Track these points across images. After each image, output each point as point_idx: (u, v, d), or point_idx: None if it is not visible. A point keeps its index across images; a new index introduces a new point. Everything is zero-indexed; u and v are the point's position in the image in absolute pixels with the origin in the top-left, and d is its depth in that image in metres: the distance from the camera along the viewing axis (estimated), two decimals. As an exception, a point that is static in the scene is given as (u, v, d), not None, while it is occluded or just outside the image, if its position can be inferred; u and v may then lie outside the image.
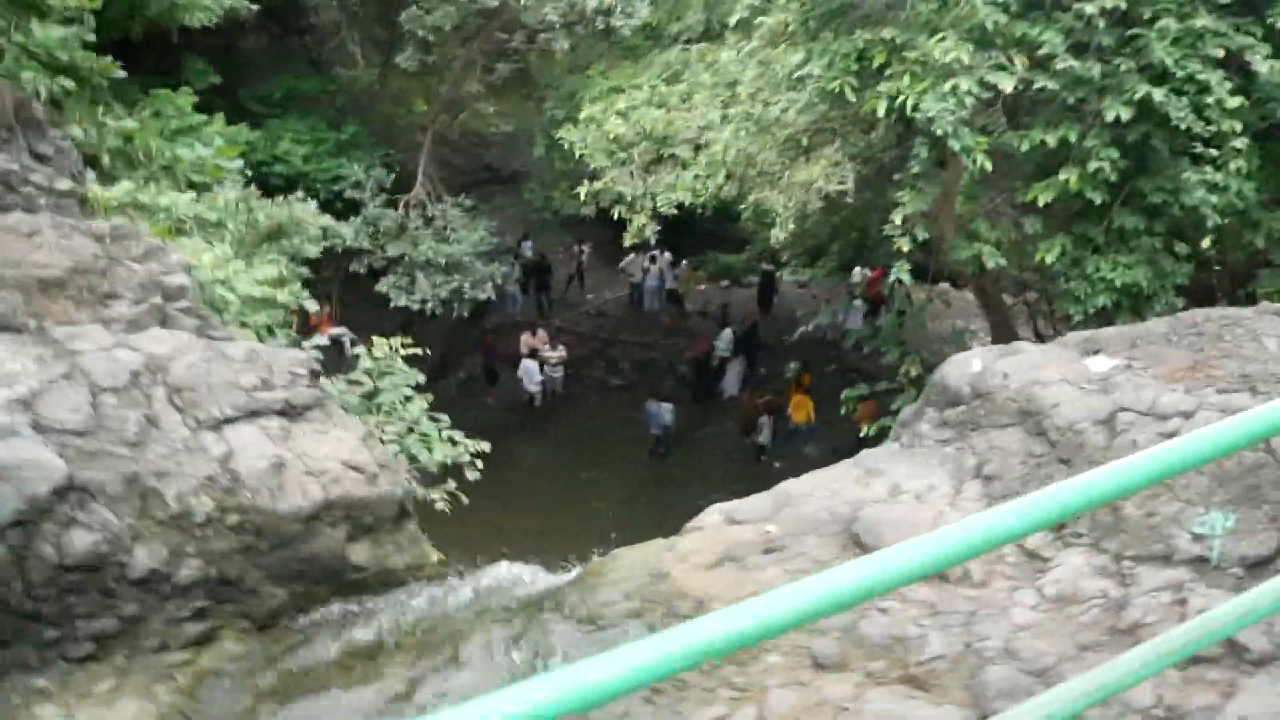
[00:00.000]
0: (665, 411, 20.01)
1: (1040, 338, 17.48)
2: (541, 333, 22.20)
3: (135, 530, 4.95)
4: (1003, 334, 17.98)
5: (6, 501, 4.59)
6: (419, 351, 9.21)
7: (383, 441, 8.38)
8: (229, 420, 5.63)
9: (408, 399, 8.74)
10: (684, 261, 25.02)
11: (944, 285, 25.74)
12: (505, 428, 21.64)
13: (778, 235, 13.81)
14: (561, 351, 21.91)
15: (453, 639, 5.64)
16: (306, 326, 19.69)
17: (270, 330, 8.44)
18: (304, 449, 5.79)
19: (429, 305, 18.81)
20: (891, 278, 13.41)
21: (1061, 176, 12.74)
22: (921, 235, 13.23)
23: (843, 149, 13.63)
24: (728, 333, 22.56)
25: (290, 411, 5.93)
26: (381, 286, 18.80)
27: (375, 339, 9.13)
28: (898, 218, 12.99)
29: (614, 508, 18.07)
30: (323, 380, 8.38)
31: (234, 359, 5.93)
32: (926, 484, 6.62)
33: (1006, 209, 14.43)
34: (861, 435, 15.24)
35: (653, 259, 24.28)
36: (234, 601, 5.40)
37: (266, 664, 5.32)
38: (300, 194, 16.23)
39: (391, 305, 18.96)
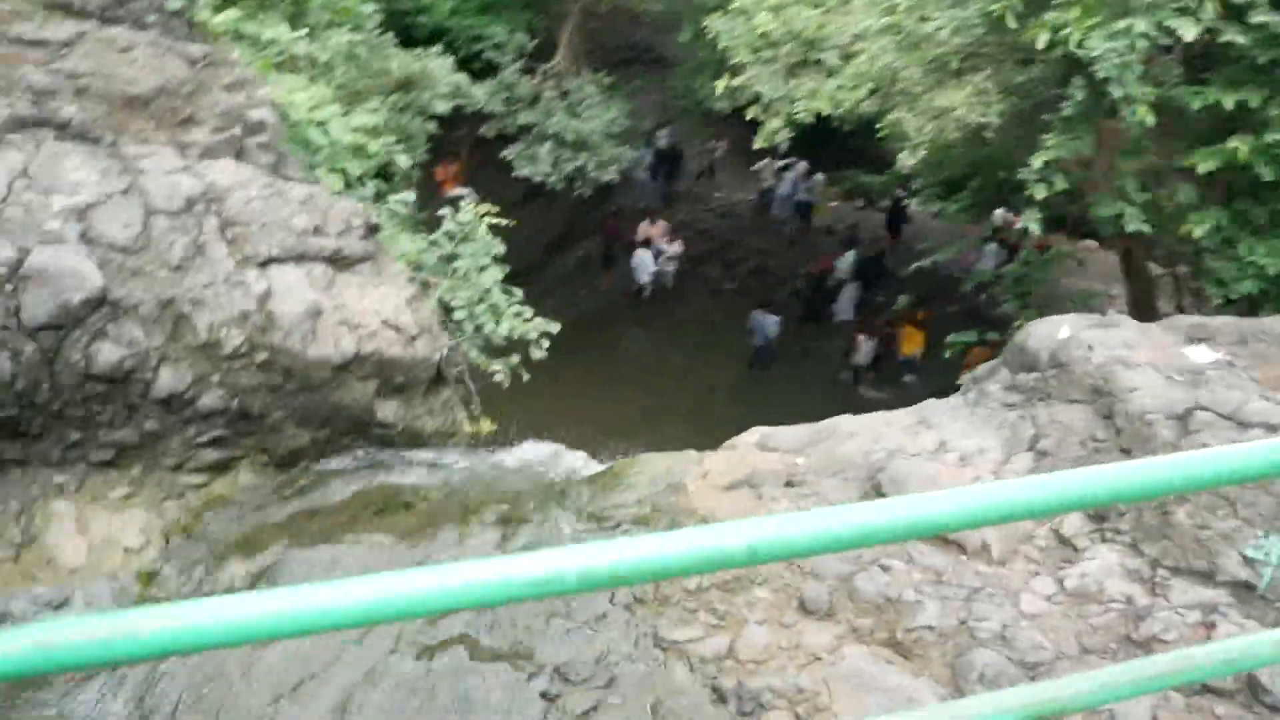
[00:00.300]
0: (771, 324, 19.64)
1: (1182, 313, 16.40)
2: (661, 223, 21.91)
3: (163, 352, 5.06)
4: (1143, 306, 16.85)
5: (41, 304, 4.73)
6: (504, 222, 9.13)
7: (449, 309, 8.43)
8: (275, 260, 5.67)
9: (484, 268, 8.70)
10: (819, 175, 24.18)
11: (1089, 242, 24.35)
12: (609, 313, 21.70)
13: (906, 160, 13.09)
14: (678, 246, 21.62)
15: (462, 511, 5.67)
16: (434, 184, 20.01)
17: (360, 179, 8.47)
18: (345, 300, 5.81)
19: (552, 180, 18.69)
20: (1021, 225, 12.61)
21: (1231, 144, 11.64)
22: (1060, 185, 12.37)
23: (993, 78, 12.73)
24: (851, 254, 21.83)
25: (339, 260, 5.94)
26: (507, 154, 18.73)
27: (461, 203, 9.08)
28: (1037, 162, 12.15)
29: (693, 411, 18.01)
30: (400, 236, 8.45)
31: (292, 200, 5.94)
32: (976, 446, 6.28)
33: (1161, 171, 13.33)
34: (959, 382, 14.66)
35: (788, 166, 23.53)
36: (255, 435, 5.53)
37: (277, 500, 5.46)
38: (439, 49, 16.21)
39: (515, 174, 18.92)
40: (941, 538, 5.25)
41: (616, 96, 19.48)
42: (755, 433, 6.77)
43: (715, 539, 1.40)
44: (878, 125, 14.58)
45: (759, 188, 24.37)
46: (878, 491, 5.52)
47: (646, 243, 21.18)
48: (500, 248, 9.01)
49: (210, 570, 4.81)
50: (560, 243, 21.59)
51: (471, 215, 8.91)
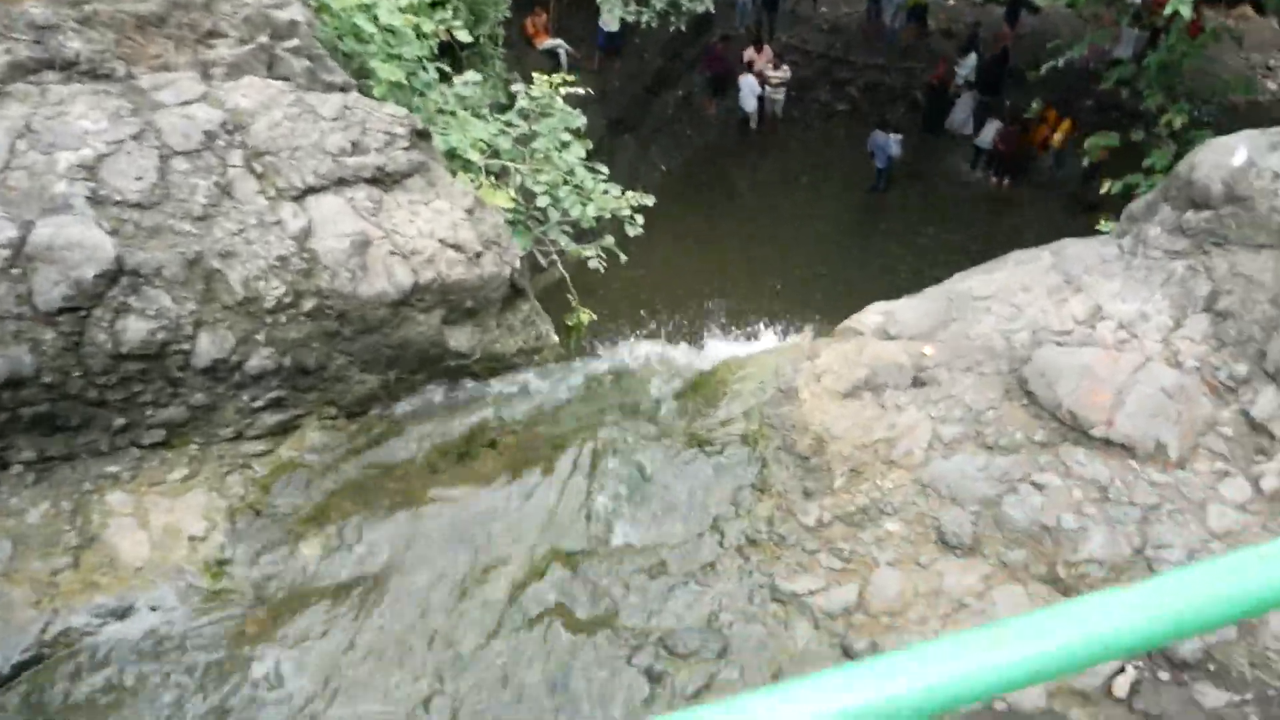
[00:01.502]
0: (893, 143, 18.00)
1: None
2: (767, 49, 20.14)
3: (198, 316, 4.43)
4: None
5: (54, 286, 4.13)
6: (580, 91, 8.08)
7: (531, 194, 7.56)
8: (312, 190, 4.91)
9: (564, 145, 7.75)
10: None
11: (1244, 9, 21.23)
12: (718, 152, 20.35)
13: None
14: (785, 71, 19.88)
15: (550, 447, 4.98)
16: (524, 36, 18.73)
17: (421, 63, 7.53)
18: (395, 224, 5.03)
19: (645, 18, 17.17)
20: (1169, 9, 10.72)
21: None
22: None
23: None
24: (972, 58, 19.68)
25: (383, 180, 5.13)
26: (596, -3, 17.29)
27: (535, 75, 8.05)
28: (1187, -69, 10.20)
29: (812, 256, 16.81)
30: (470, 122, 7.54)
31: (324, 116, 5.11)
32: (1138, 310, 5.16)
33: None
34: (1103, 192, 13.03)
35: (897, -33, 21.15)
36: (317, 390, 4.91)
37: (351, 457, 4.88)
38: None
39: (606, 14, 17.47)
40: (1105, 440, 4.27)
41: (707, -84, 17.54)
42: (875, 311, 5.79)
43: None
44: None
45: (866, -5, 22.08)
46: (1024, 390, 4.53)
47: (751, 68, 19.52)
48: (580, 120, 8.02)
49: (283, 553, 4.29)
50: (659, 83, 20.12)
51: (545, 89, 7.91)
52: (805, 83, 20.85)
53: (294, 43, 5.85)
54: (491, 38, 15.43)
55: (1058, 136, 17.88)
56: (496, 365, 5.52)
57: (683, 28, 17.80)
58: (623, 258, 7.98)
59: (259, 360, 4.60)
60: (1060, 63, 13.12)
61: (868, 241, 17.20)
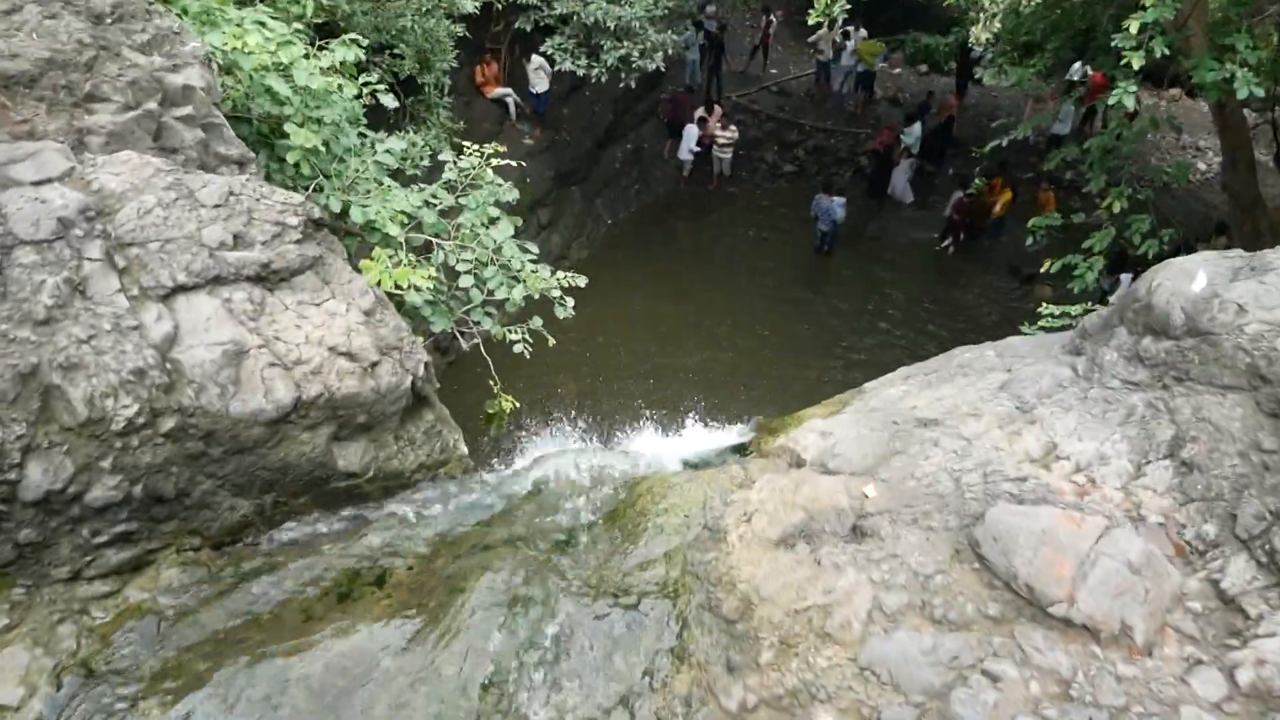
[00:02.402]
0: (837, 206, 17.65)
1: (1284, 166, 14.06)
2: (718, 109, 19.75)
3: (28, 441, 3.68)
4: (1237, 160, 14.51)
5: None
6: (513, 163, 7.45)
7: (453, 273, 6.89)
8: (182, 289, 4.19)
9: (492, 221, 7.10)
10: (861, 31, 21.36)
11: (1174, 91, 21.40)
12: (666, 204, 19.89)
13: (980, 35, 10.90)
14: (733, 131, 19.51)
15: (448, 590, 4.29)
16: (473, 84, 18.10)
17: (341, 127, 6.85)
18: (278, 330, 4.33)
19: (595, 72, 16.68)
20: (1113, 99, 10.44)
21: (1368, -12, 9.29)
22: (1161, 50, 10.14)
23: (1080, -70, 10.36)
24: (916, 127, 19.46)
25: (268, 278, 4.43)
26: (547, 48, 16.71)
27: (464, 144, 7.40)
28: (1133, 26, 9.93)
29: (762, 313, 16.35)
30: (391, 192, 6.86)
31: (204, 203, 4.41)
32: (1096, 450, 4.64)
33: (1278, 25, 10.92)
34: (1043, 270, 12.74)
35: (846, 35, 20.94)
36: (177, 519, 4.17)
37: (213, 598, 4.14)
38: (463, -58, 14.14)
39: (556, 68, 16.95)
40: (1065, 619, 3.70)
41: (659, -24, 17.14)
42: (813, 431, 5.21)
43: None
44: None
45: (816, 60, 21.85)
46: (976, 553, 3.95)
47: (700, 122, 19.09)
48: (512, 194, 7.37)
49: (113, 726, 3.54)
50: (609, 137, 19.62)
51: (476, 160, 7.26)
52: (754, 143, 20.52)
53: (186, 110, 5.15)
54: (438, 86, 14.80)
55: (999, 206, 17.71)
56: (393, 484, 4.83)
57: (633, 84, 17.35)
58: (551, 341, 7.32)
59: (103, 490, 3.85)
60: (1004, 142, 12.84)
61: (812, 305, 16.77)
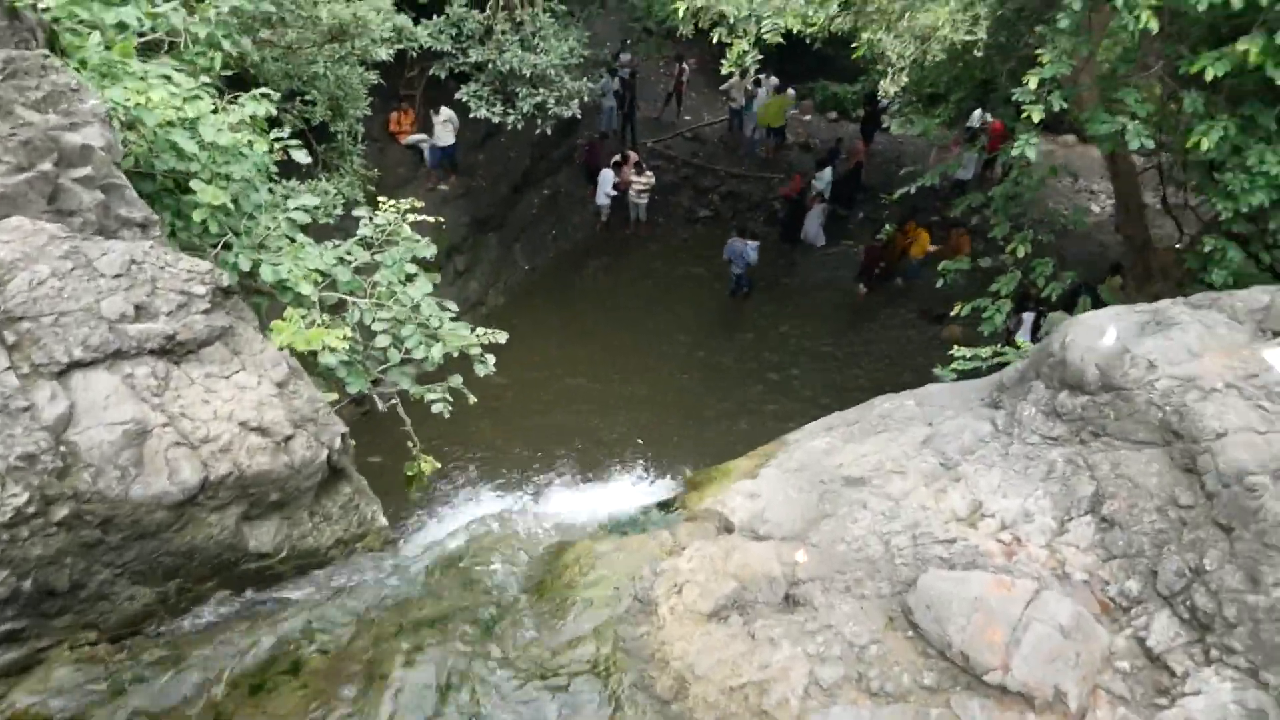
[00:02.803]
0: (750, 250, 17.82)
1: (1169, 210, 14.65)
2: (633, 155, 19.85)
3: (-99, 537, 3.37)
4: (1129, 204, 15.09)
5: None
6: (430, 219, 7.28)
7: (370, 332, 6.67)
8: (79, 365, 3.92)
9: (409, 278, 6.90)
10: (773, 79, 21.75)
11: (1068, 138, 22.32)
12: (583, 250, 19.86)
13: (888, 88, 11.18)
14: (649, 177, 19.61)
15: (365, 678, 4.05)
16: (387, 131, 17.86)
17: (252, 184, 6.60)
18: (185, 406, 4.07)
19: (510, 119, 16.59)
20: (1015, 151, 10.76)
21: (1240, 46, 9.76)
22: (1059, 104, 10.50)
23: (979, -11, 10.71)
24: (827, 172, 19.86)
25: (174, 350, 4.18)
26: (461, 95, 16.56)
27: (380, 198, 7.21)
28: (1032, 82, 10.25)
29: (680, 358, 16.36)
30: (304, 250, 6.62)
31: (103, 272, 4.15)
32: (1021, 508, 4.66)
33: (1163, 79, 11.41)
34: (954, 313, 13.05)
35: (758, 83, 21.34)
36: (71, 612, 3.87)
37: (111, 696, 3.83)
38: (373, -12, 13.97)
39: (471, 115, 16.81)
40: (1001, 687, 3.66)
41: (572, 26, 17.20)
42: (741, 493, 5.13)
43: None
44: (852, 44, 12.55)
45: (729, 107, 22.19)
46: (909, 620, 3.90)
47: (616, 168, 19.13)
48: (429, 250, 7.19)
49: None
50: (525, 182, 19.54)
51: (392, 215, 7.07)
52: (669, 187, 20.67)
53: (85, 171, 4.86)
54: (351, 133, 14.53)
55: (915, 248, 18.09)
56: (308, 563, 4.58)
57: (549, 131, 17.32)
58: (472, 399, 7.13)
59: (-13, 588, 3.54)
60: (913, 189, 13.14)
61: (729, 348, 16.86)
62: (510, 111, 16.72)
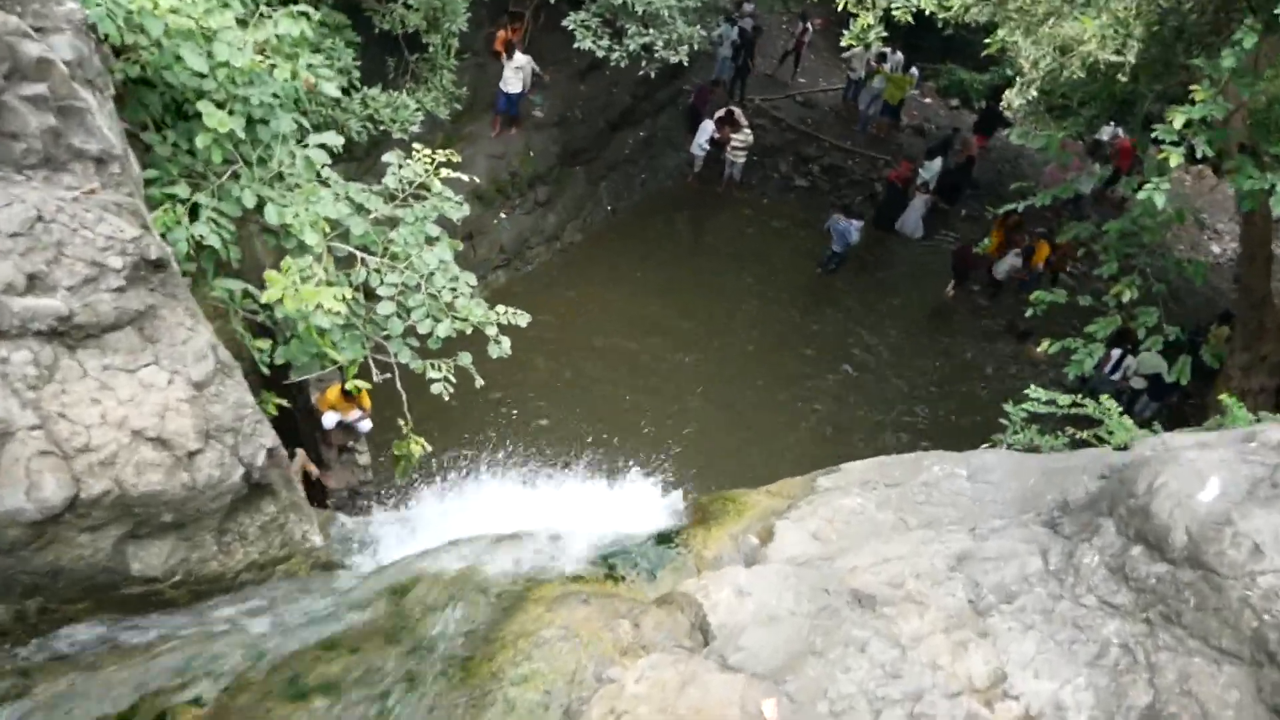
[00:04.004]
0: (854, 229, 16.49)
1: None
2: (738, 113, 18.51)
3: None
4: (1255, 255, 13.45)
5: None
6: (465, 178, 6.38)
7: (373, 296, 5.86)
8: (-56, 342, 3.18)
9: (429, 241, 6.05)
10: (898, 54, 20.04)
11: (1203, 168, 20.21)
12: (670, 199, 18.75)
13: (1012, 99, 9.79)
14: (748, 135, 18.27)
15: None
16: (490, 49, 16.85)
17: (270, 108, 5.77)
18: (66, 405, 3.32)
19: (615, 56, 15.44)
20: (1142, 195, 9.36)
21: None
22: (1204, 150, 9.07)
23: (1138, 4, 9.18)
24: (937, 162, 18.29)
25: (69, 333, 3.41)
26: (568, 23, 15.45)
27: (415, 147, 6.33)
28: (1178, 120, 8.80)
29: (754, 327, 15.39)
30: (319, 194, 5.78)
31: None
32: (1053, 696, 3.69)
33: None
34: (1039, 350, 11.78)
35: (882, 57, 19.67)
36: (-107, 626, 3.21)
37: (-75, 727, 3.18)
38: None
39: (575, 45, 15.69)
40: None
41: (696, -37, 15.84)
42: (730, 585, 4.24)
43: None
44: (986, 40, 11.11)
45: (848, 76, 20.59)
46: None
47: (719, 124, 17.86)
48: (461, 210, 6.31)
49: None
50: (623, 121, 18.40)
51: (421, 168, 6.19)
52: (769, 150, 19.33)
53: (37, 89, 4.07)
54: (445, 46, 13.61)
55: (1036, 258, 16.64)
56: (210, 589, 3.85)
57: (652, 74, 16.12)
58: (479, 382, 6.33)
59: None
60: (1020, 208, 11.75)
61: (801, 328, 15.79)
62: (616, 48, 15.55)
